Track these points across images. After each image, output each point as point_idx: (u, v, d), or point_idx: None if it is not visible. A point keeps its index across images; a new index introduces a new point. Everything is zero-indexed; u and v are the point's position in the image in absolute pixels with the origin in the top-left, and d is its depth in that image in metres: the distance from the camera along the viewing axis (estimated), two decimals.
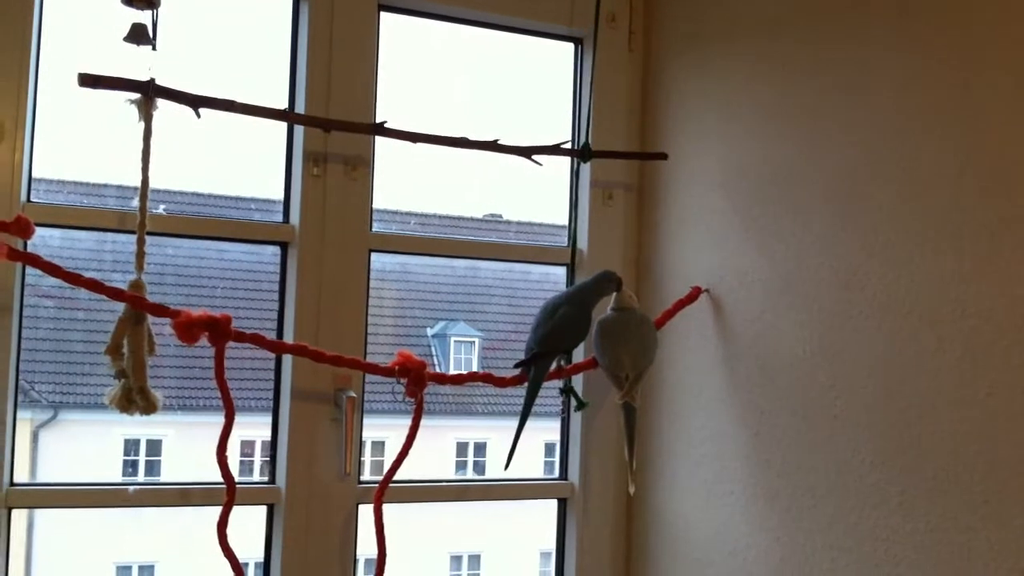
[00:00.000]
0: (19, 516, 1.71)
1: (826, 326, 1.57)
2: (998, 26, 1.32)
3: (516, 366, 1.73)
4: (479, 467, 2.62)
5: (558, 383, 1.94)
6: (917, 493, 1.40)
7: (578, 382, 1.97)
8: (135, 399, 1.56)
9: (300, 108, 1.83)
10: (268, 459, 1.87)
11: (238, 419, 1.60)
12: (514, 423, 1.68)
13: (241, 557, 1.61)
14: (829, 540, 1.55)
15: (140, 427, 2.27)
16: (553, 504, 2.08)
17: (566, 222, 2.08)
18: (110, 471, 2.25)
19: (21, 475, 1.70)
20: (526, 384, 1.70)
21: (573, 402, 1.91)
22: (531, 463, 2.16)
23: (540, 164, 1.89)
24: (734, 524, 1.75)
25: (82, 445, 2.24)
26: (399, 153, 1.87)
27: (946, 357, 1.36)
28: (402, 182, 1.99)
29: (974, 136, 1.34)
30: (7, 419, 1.65)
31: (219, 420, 1.59)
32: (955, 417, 1.35)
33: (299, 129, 1.83)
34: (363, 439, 1.89)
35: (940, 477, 1.36)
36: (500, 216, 2.30)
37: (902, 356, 1.43)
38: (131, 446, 2.34)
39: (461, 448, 2.62)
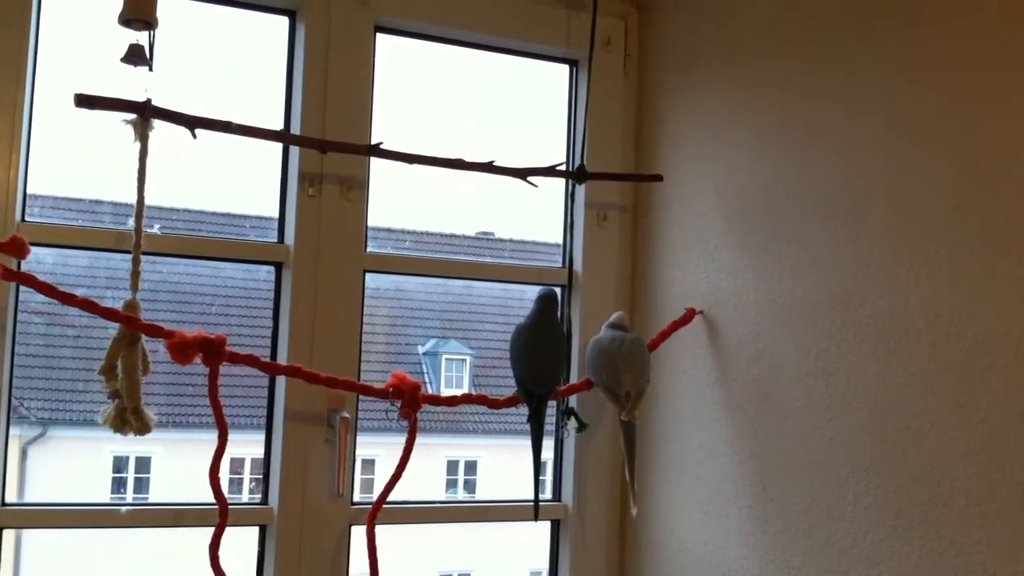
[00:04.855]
0: (7, 534, 1.70)
1: (822, 347, 1.58)
2: (993, 46, 1.33)
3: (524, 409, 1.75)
4: (470, 485, 2.61)
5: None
6: (912, 516, 1.40)
7: (571, 403, 1.97)
8: (129, 419, 1.56)
9: (296, 129, 1.83)
10: (258, 478, 1.86)
11: (229, 436, 1.59)
12: (505, 441, 1.69)
13: None
14: (824, 563, 1.55)
15: (129, 444, 2.25)
16: (542, 523, 2.07)
17: (559, 240, 2.09)
18: (99, 488, 2.23)
19: (10, 491, 1.69)
20: (529, 422, 1.73)
21: (574, 424, 1.91)
22: (524, 483, 2.15)
23: (535, 186, 1.89)
24: (729, 546, 1.75)
25: (71, 462, 2.22)
26: (394, 171, 1.87)
27: (942, 379, 1.37)
28: (397, 199, 1.99)
29: (969, 157, 1.35)
30: None
31: (209, 438, 1.59)
32: (951, 439, 1.35)
33: (295, 149, 1.83)
34: (354, 457, 1.89)
35: (936, 500, 1.37)
36: (492, 234, 2.30)
37: (898, 377, 1.44)
38: (120, 463, 2.32)
39: (451, 466, 2.61)
